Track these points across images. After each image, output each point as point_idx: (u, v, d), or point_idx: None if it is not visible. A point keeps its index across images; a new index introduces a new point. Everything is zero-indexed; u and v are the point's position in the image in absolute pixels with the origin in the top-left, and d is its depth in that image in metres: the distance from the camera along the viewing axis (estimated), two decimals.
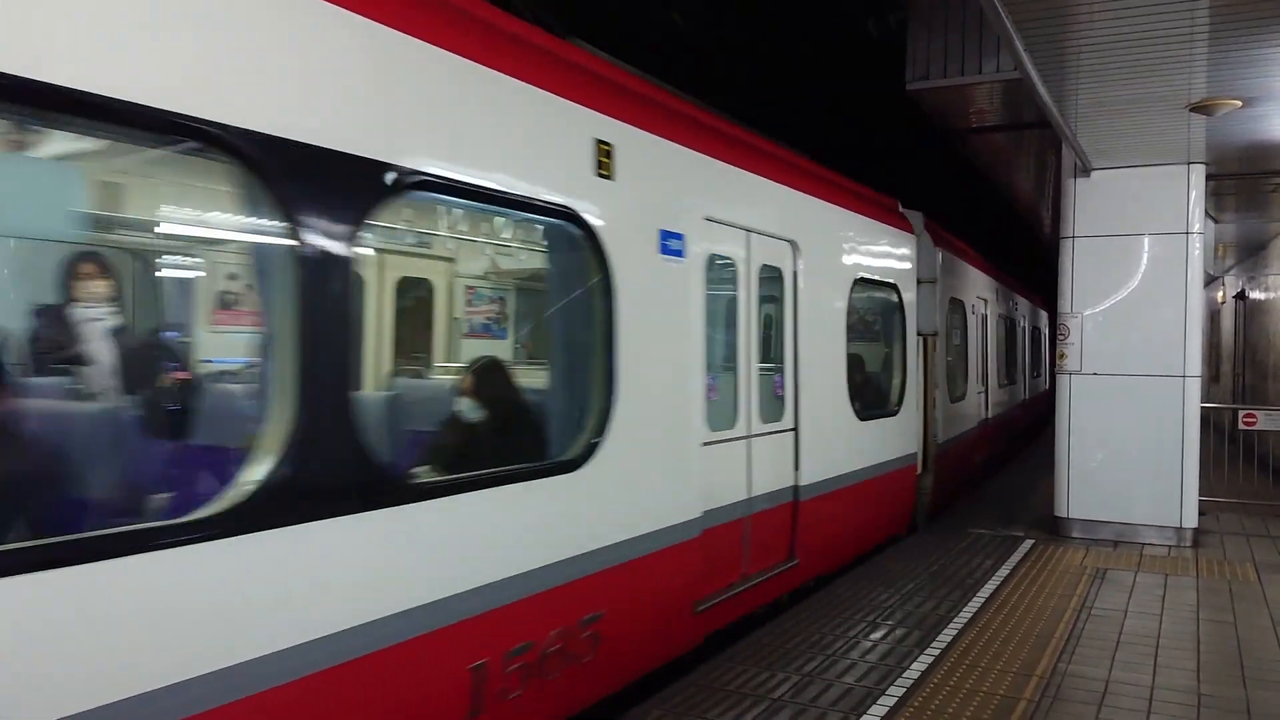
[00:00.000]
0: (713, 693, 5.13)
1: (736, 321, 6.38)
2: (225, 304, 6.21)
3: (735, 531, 6.23)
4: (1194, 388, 9.10)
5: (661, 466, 5.35)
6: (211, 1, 3.00)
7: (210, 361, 5.91)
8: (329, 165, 3.34)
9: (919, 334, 10.03)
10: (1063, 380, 9.63)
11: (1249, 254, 17.36)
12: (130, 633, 2.72)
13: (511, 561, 4.15)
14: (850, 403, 8.07)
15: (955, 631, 6.24)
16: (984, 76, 8.97)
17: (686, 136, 5.67)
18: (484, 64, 4.13)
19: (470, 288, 7.46)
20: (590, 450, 4.67)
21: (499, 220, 5.71)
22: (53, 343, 4.64)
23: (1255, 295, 16.94)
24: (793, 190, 7.10)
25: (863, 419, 8.34)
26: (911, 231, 9.89)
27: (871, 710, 4.90)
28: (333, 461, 3.35)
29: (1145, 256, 9.32)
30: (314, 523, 3.24)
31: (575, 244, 4.72)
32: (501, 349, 7.97)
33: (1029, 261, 22.55)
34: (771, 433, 6.75)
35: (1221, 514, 10.40)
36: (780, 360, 7.08)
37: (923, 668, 5.54)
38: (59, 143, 4.08)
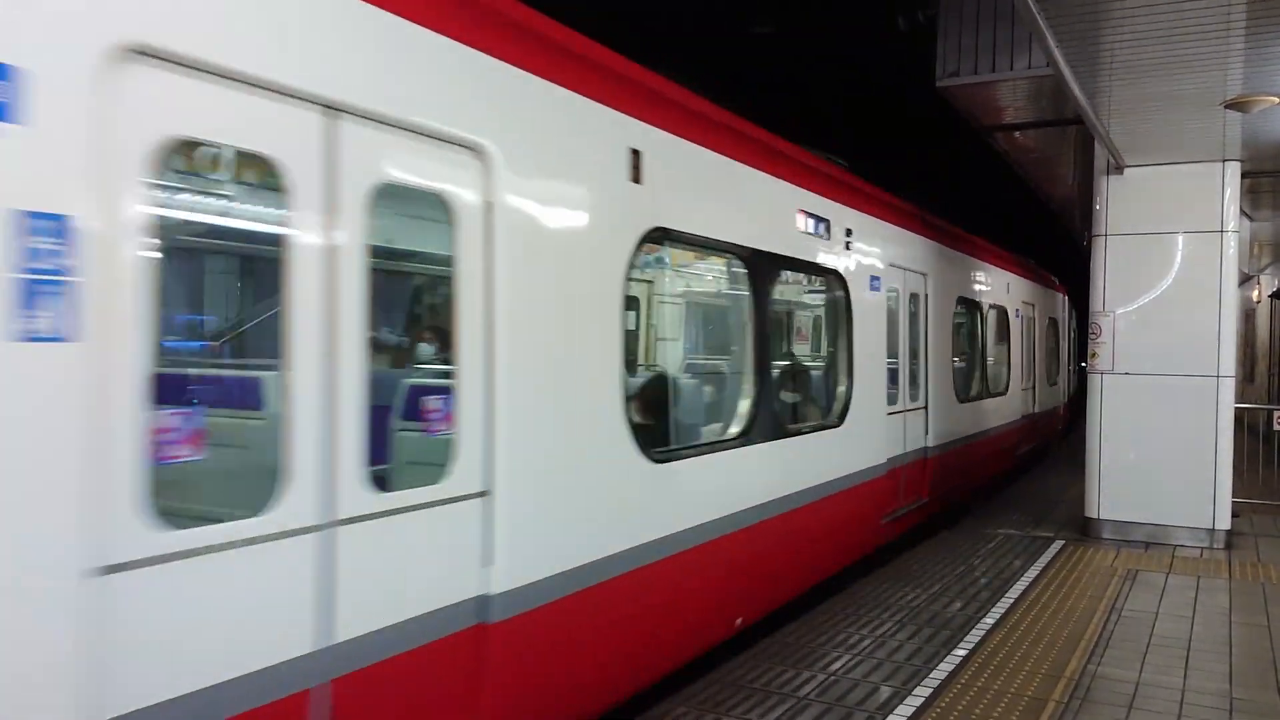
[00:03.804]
0: (738, 690, 5.14)
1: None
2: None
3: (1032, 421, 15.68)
4: (1228, 388, 8.98)
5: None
6: None
7: None
8: None
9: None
10: (1094, 380, 9.53)
11: None
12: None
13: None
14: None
15: (983, 632, 6.22)
16: (1015, 73, 8.88)
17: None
18: None
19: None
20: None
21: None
22: None
23: None
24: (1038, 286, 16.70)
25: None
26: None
27: (898, 710, 4.89)
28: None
29: (1179, 255, 9.20)
30: None
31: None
32: None
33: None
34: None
35: (1255, 516, 10.25)
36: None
37: (950, 668, 5.52)
38: None
